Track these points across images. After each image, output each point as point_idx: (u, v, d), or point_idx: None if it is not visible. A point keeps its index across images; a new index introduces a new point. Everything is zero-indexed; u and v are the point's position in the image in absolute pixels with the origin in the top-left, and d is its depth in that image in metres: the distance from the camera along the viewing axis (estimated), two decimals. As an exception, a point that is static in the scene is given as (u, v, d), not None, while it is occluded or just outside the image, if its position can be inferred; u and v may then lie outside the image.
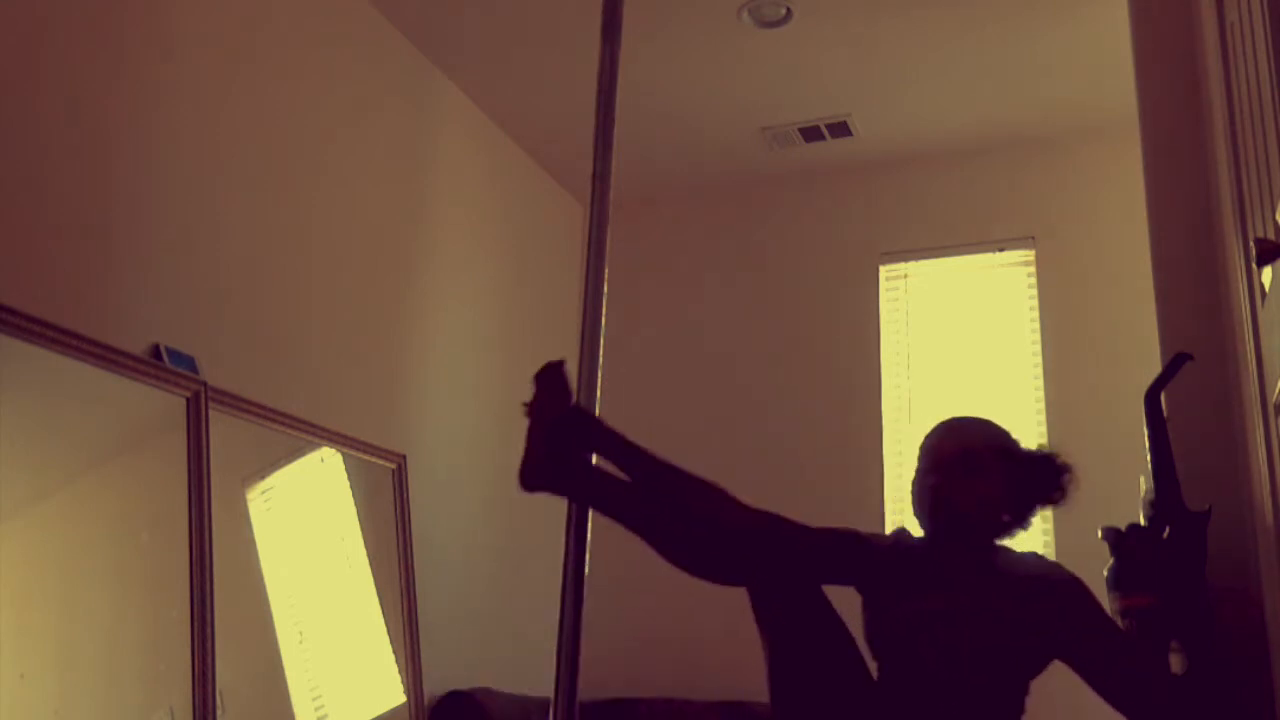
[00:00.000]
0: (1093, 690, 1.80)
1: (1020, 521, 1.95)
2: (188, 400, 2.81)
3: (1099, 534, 2.22)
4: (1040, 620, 1.79)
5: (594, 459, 2.07)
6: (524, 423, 2.08)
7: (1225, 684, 2.02)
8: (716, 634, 4.04)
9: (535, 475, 2.03)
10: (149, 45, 2.88)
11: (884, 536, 2.05)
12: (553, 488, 2.02)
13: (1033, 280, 4.44)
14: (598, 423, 2.03)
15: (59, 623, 2.47)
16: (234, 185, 3.13)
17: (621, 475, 2.04)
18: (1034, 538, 4.16)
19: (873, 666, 1.93)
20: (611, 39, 2.17)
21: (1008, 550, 1.96)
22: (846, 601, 1.97)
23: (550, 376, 2.05)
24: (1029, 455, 1.98)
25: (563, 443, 2.02)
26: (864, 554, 1.98)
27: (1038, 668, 1.84)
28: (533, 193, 4.76)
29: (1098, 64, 3.87)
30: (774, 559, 1.92)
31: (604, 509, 2.02)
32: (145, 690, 2.60)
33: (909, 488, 1.99)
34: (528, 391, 2.09)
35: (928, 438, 1.99)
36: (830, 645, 1.87)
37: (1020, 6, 3.66)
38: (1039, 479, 1.95)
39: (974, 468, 1.91)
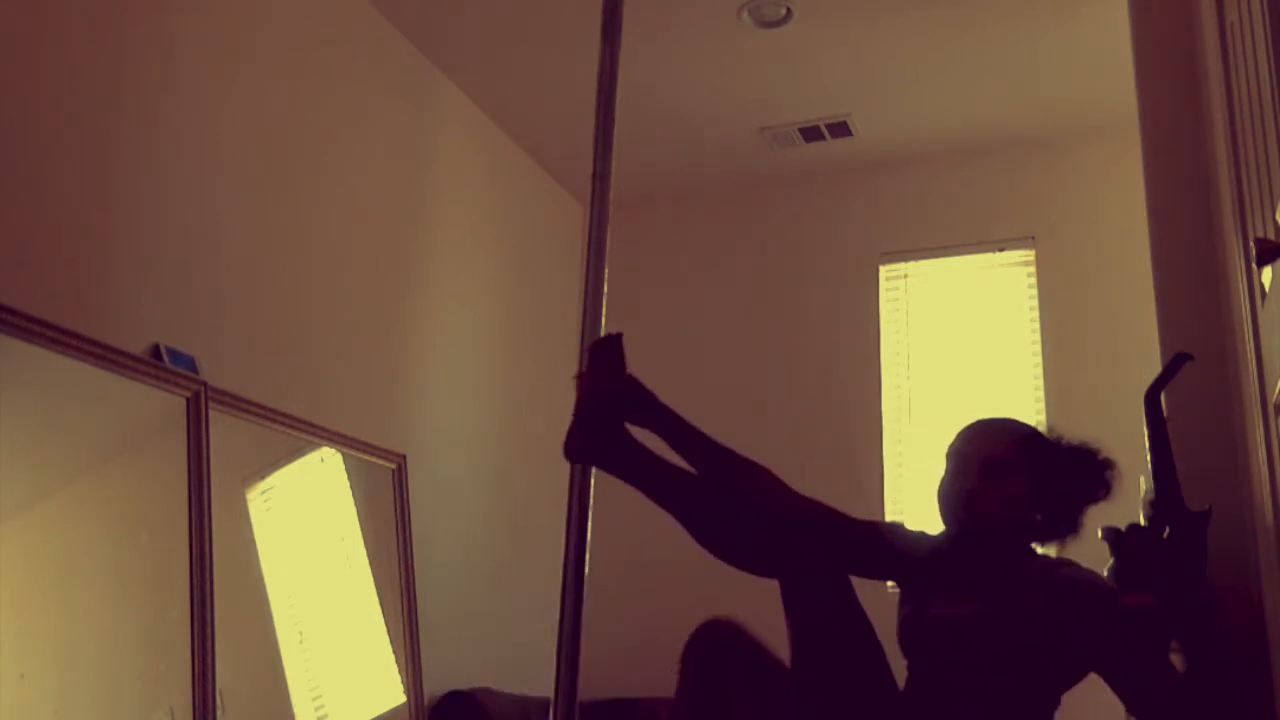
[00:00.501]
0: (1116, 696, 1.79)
1: (1059, 521, 1.89)
2: (188, 400, 2.81)
3: (1099, 534, 2.22)
4: (1058, 621, 1.76)
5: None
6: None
7: (1225, 684, 2.02)
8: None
9: (582, 447, 1.97)
10: (149, 45, 2.88)
11: (926, 535, 2.01)
12: (599, 461, 1.98)
13: (1033, 280, 4.44)
14: (652, 397, 2.01)
15: (59, 623, 2.47)
16: (234, 185, 3.13)
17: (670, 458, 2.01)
18: (1034, 538, 4.16)
19: (901, 666, 1.91)
20: (611, 39, 2.17)
21: (1044, 556, 1.91)
22: (873, 601, 1.95)
23: (606, 347, 2.01)
24: (1063, 452, 1.93)
25: (614, 415, 1.99)
26: (908, 551, 1.95)
27: (1065, 675, 1.80)
28: (533, 193, 4.76)
29: (1098, 64, 3.87)
30: (825, 548, 1.89)
31: (648, 488, 1.98)
32: (145, 690, 2.60)
33: (935, 491, 1.94)
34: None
35: (954, 440, 1.96)
36: (860, 642, 1.85)
37: (1020, 6, 3.66)
38: (1076, 476, 1.90)
39: (1001, 469, 1.87)
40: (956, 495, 1.89)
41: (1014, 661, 1.79)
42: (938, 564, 1.93)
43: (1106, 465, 1.92)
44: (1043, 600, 1.79)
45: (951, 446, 1.95)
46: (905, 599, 1.95)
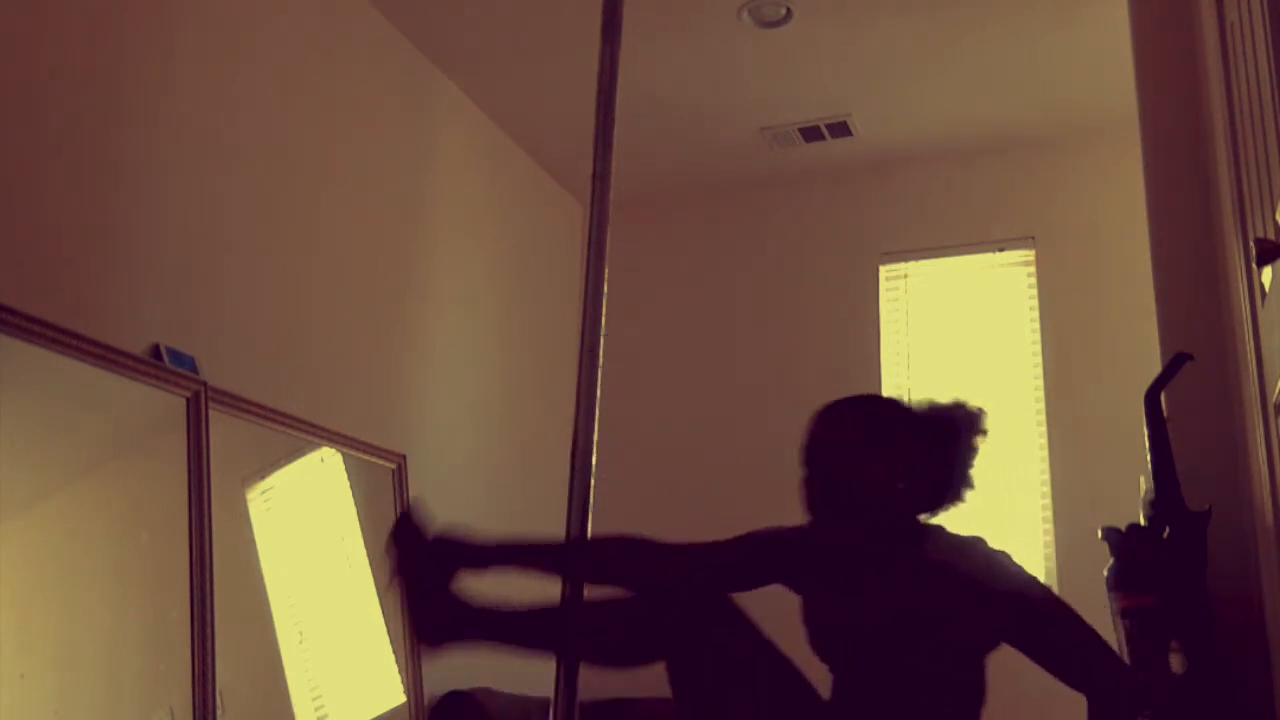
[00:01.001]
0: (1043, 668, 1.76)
1: (936, 485, 1.84)
2: (188, 400, 2.81)
3: (1099, 534, 2.22)
4: (999, 622, 1.74)
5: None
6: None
7: (1225, 684, 2.02)
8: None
9: (436, 633, 1.84)
10: (149, 45, 2.88)
11: (801, 528, 1.92)
12: (458, 636, 1.84)
13: (1033, 280, 4.44)
14: (469, 542, 1.87)
15: (59, 623, 2.47)
16: (234, 185, 3.13)
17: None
18: (1034, 537, 4.17)
19: (811, 669, 1.84)
20: (611, 39, 2.17)
21: (939, 529, 1.86)
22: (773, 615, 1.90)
23: (403, 529, 1.89)
24: (911, 416, 1.89)
25: (444, 584, 1.85)
26: (797, 552, 1.88)
27: (992, 647, 1.78)
28: (533, 193, 4.76)
29: (1098, 64, 3.87)
30: (724, 587, 1.81)
31: (526, 638, 1.85)
32: (145, 690, 2.60)
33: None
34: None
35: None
36: (780, 673, 1.78)
37: (1020, 7, 3.66)
38: (931, 435, 1.85)
39: (841, 452, 1.85)
40: (804, 486, 1.88)
41: (965, 656, 1.77)
42: (839, 553, 1.86)
43: (963, 416, 1.87)
44: (964, 588, 1.74)
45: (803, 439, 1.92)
46: (814, 601, 1.87)
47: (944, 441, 1.87)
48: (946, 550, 1.81)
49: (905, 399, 1.95)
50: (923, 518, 1.88)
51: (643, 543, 1.87)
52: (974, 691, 1.79)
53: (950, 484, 1.87)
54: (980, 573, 1.76)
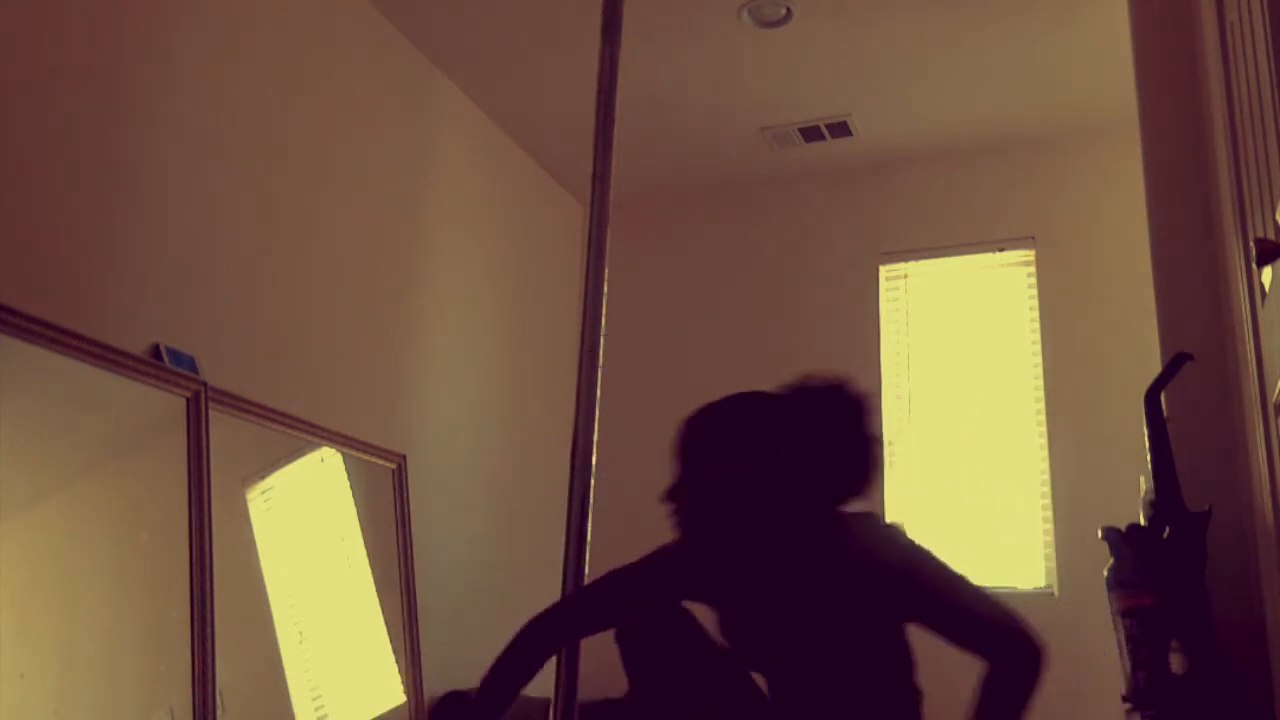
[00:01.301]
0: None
1: (830, 470, 1.77)
2: (188, 400, 2.81)
3: (1099, 534, 2.22)
4: (889, 585, 1.68)
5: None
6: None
7: (1225, 684, 2.02)
8: (714, 634, 4.04)
9: None
10: (149, 45, 2.89)
11: (695, 537, 1.86)
12: None
13: (1033, 280, 4.44)
14: None
15: (59, 623, 2.47)
16: (234, 185, 3.14)
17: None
18: (1034, 537, 4.17)
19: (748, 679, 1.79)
20: (611, 39, 2.17)
21: (843, 516, 1.78)
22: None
23: None
24: (771, 411, 1.85)
25: None
26: (708, 561, 1.80)
27: (905, 621, 1.73)
28: (533, 193, 4.76)
29: (1098, 64, 3.87)
30: (675, 598, 1.78)
31: None
32: (145, 690, 2.60)
33: None
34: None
35: None
36: (734, 682, 1.75)
37: (1020, 6, 3.66)
38: (799, 421, 1.80)
39: (699, 455, 1.86)
40: (671, 492, 1.87)
41: (887, 629, 1.72)
42: (731, 555, 1.79)
43: (841, 398, 1.81)
44: (878, 575, 1.70)
45: None
46: (735, 607, 1.80)
47: (821, 427, 1.80)
48: (849, 533, 1.74)
49: (779, 390, 1.88)
50: (821, 505, 1.81)
51: (588, 589, 1.83)
52: (905, 655, 1.73)
53: (842, 468, 1.79)
54: (879, 551, 1.70)
